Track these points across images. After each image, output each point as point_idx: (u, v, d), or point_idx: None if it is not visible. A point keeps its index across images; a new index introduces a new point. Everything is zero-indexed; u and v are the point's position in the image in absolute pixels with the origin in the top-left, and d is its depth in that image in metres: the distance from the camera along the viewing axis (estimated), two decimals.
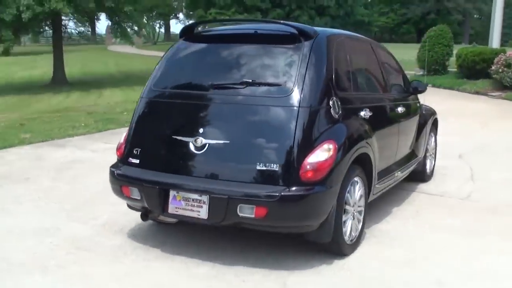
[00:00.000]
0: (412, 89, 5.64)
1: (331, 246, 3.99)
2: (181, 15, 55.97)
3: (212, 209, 3.67)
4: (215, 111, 3.99)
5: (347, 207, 4.00)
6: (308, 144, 3.66)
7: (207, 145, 3.78)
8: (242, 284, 3.63)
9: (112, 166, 4.23)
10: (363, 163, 4.25)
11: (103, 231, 4.58)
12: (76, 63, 29.45)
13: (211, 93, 4.02)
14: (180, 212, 3.81)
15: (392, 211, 5.21)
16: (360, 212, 4.26)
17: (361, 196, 4.23)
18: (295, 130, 3.64)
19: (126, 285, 3.61)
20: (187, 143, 3.84)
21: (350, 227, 4.08)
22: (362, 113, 4.30)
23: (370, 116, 4.39)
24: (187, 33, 4.48)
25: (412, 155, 5.72)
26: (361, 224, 4.28)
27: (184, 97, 4.08)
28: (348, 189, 3.97)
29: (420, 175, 6.21)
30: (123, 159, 4.19)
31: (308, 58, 3.86)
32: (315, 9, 45.18)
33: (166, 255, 4.08)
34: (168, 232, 4.53)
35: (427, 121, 6.09)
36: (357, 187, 4.15)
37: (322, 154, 3.67)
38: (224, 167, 3.77)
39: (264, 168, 3.63)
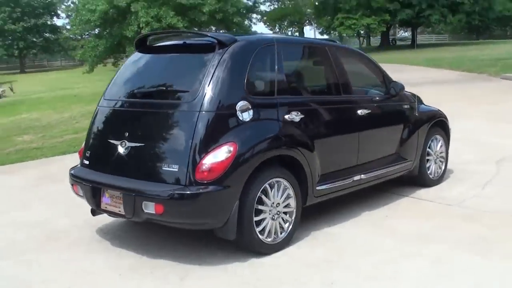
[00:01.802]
0: (389, 91, 5.53)
1: (247, 244, 4.18)
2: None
3: (125, 205, 4.08)
4: (137, 116, 4.39)
5: (261, 207, 4.15)
6: (206, 146, 3.92)
7: (129, 147, 4.20)
8: (150, 275, 3.98)
9: (72, 168, 4.80)
10: (292, 165, 4.37)
11: (84, 226, 5.12)
12: None
13: (137, 100, 4.44)
14: (109, 208, 4.26)
15: (360, 215, 5.18)
16: (288, 213, 4.38)
17: (288, 197, 4.35)
18: (195, 133, 3.93)
19: (54, 268, 4.15)
20: (116, 146, 4.29)
21: (269, 227, 4.23)
22: (287, 116, 4.40)
23: (301, 119, 4.47)
24: (141, 45, 4.90)
25: (395, 158, 5.60)
26: (288, 224, 4.39)
27: (120, 105, 4.54)
28: (262, 190, 4.13)
29: (420, 180, 6.02)
30: (81, 161, 4.75)
31: (217, 66, 4.11)
32: (447, 7, 43.00)
33: (112, 248, 4.54)
34: (137, 229, 4.94)
35: (423, 123, 5.89)
36: (281, 188, 4.27)
37: (219, 155, 3.90)
38: (139, 167, 4.17)
39: (168, 168, 3.96)
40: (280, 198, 4.31)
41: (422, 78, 18.28)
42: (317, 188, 4.63)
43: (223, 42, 4.25)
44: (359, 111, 5.08)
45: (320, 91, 5.11)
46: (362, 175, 5.10)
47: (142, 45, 4.88)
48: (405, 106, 5.77)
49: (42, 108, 15.82)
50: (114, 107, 4.59)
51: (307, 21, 55.16)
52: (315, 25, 48.07)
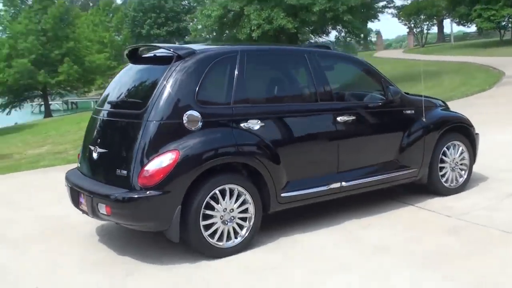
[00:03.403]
0: (387, 97, 5.35)
1: (196, 247, 4.40)
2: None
3: (88, 205, 4.51)
4: (107, 124, 4.80)
5: (210, 212, 4.33)
6: (150, 153, 4.21)
7: (99, 153, 4.62)
8: (102, 270, 4.36)
9: (69, 170, 5.34)
10: (252, 172, 4.50)
11: (91, 222, 5.64)
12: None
13: (109, 110, 4.82)
14: (83, 207, 4.72)
15: (343, 223, 5.11)
16: (245, 219, 4.51)
17: (244, 203, 4.48)
18: (141, 141, 4.25)
19: (32, 256, 4.72)
20: (92, 151, 4.74)
21: (220, 231, 4.40)
22: (243, 125, 4.51)
23: (262, 127, 4.56)
24: (132, 56, 5.24)
25: (393, 166, 5.41)
26: (245, 230, 4.51)
27: (100, 113, 4.96)
28: (210, 195, 4.32)
29: (432, 188, 5.73)
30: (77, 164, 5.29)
31: (168, 78, 4.37)
32: None
33: (93, 244, 4.99)
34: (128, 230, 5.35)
35: (433, 130, 5.59)
36: (234, 195, 4.42)
37: (161, 162, 4.17)
38: (103, 171, 4.59)
39: (119, 173, 4.33)
40: (234, 204, 4.45)
41: None
42: (282, 195, 4.69)
43: (179, 55, 4.50)
44: (339, 118, 5.00)
45: (289, 99, 5.09)
46: (343, 183, 5.03)
47: (133, 56, 5.24)
48: (407, 112, 5.52)
49: None
50: (97, 115, 5.02)
51: (446, 14, 52.40)
52: (451, 18, 45.44)
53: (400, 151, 5.45)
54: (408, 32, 55.67)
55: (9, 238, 5.34)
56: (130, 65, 5.12)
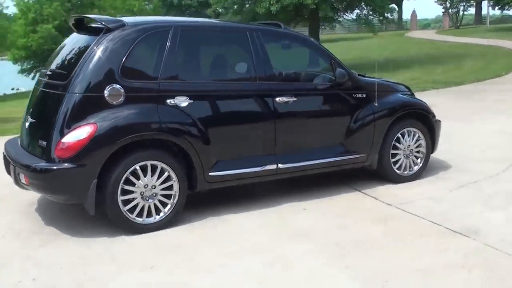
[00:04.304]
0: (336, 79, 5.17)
1: (115, 222, 4.39)
2: None
3: (12, 174, 4.53)
4: (39, 95, 4.75)
5: (129, 187, 4.30)
6: (68, 126, 4.18)
7: (30, 122, 4.63)
8: (23, 238, 4.40)
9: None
10: (175, 149, 4.46)
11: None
12: (344, 52, 30.67)
13: (43, 79, 4.78)
14: (12, 176, 4.71)
15: (281, 205, 5.03)
16: (169, 197, 4.47)
17: (168, 180, 4.44)
18: (61, 113, 4.22)
19: None
20: (25, 121, 4.75)
21: (141, 207, 4.37)
22: (170, 101, 4.43)
23: (190, 104, 4.48)
24: (78, 27, 5.11)
25: (339, 150, 5.27)
26: (169, 207, 4.48)
27: (37, 83, 4.94)
28: (130, 171, 4.28)
29: (383, 175, 5.58)
30: None
31: (93, 50, 4.32)
32: None
33: (30, 215, 5.02)
34: None
35: (384, 115, 5.42)
36: (157, 171, 4.38)
37: (77, 135, 4.14)
38: (29, 141, 4.61)
39: (40, 144, 4.33)
40: (156, 181, 4.40)
41: None
42: (210, 174, 4.62)
43: (108, 27, 4.43)
44: (278, 99, 4.88)
45: (223, 78, 4.98)
46: (280, 165, 4.93)
47: (79, 26, 5.15)
48: (358, 96, 5.34)
49: None
50: (37, 85, 5.02)
51: None
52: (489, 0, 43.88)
53: (347, 135, 5.29)
54: (443, 13, 54.05)
55: None
56: (74, 34, 5.06)
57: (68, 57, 4.67)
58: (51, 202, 5.21)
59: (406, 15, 63.47)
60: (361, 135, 5.33)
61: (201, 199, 5.05)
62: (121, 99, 4.29)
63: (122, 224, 4.37)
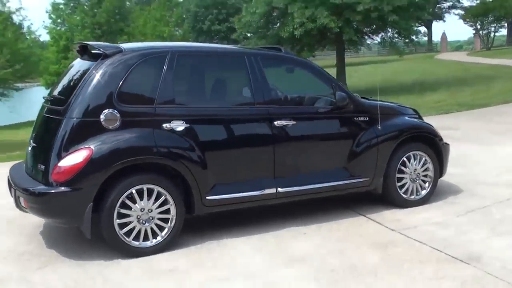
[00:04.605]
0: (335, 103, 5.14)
1: (111, 245, 4.41)
2: None
3: (13, 197, 4.62)
4: (42, 120, 4.84)
5: (125, 211, 4.33)
6: (65, 150, 4.25)
7: (32, 147, 4.73)
8: (22, 261, 4.46)
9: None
10: (172, 173, 4.48)
11: None
12: (371, 75, 30.56)
13: (46, 105, 4.88)
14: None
15: (283, 229, 4.97)
16: (166, 220, 4.48)
17: (165, 204, 4.46)
18: (58, 137, 4.30)
19: None
20: (29, 145, 4.85)
21: (136, 231, 4.39)
22: (166, 125, 4.46)
23: (187, 128, 4.51)
24: (82, 51, 5.21)
25: (342, 174, 5.20)
26: (165, 230, 4.48)
27: (42, 109, 5.04)
28: (126, 194, 4.31)
29: (389, 199, 5.48)
30: None
31: (91, 75, 4.40)
32: None
33: (34, 237, 5.10)
34: None
35: (388, 139, 5.34)
36: (153, 195, 4.40)
37: (74, 159, 4.20)
38: (31, 165, 4.69)
39: (39, 168, 4.41)
40: (153, 205, 4.42)
41: None
42: (208, 197, 4.62)
43: (106, 53, 4.51)
44: (276, 123, 4.86)
45: (220, 102, 4.99)
46: (279, 189, 4.89)
47: (83, 52, 5.24)
48: (360, 119, 5.29)
49: None
50: (41, 110, 5.11)
51: None
52: None
53: (349, 159, 5.23)
54: (474, 34, 53.48)
55: None
56: (77, 60, 5.17)
57: (68, 83, 4.77)
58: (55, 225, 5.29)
59: (437, 37, 63.00)
60: (364, 158, 5.26)
61: (202, 223, 5.05)
62: (117, 123, 4.35)
63: (118, 248, 4.39)
